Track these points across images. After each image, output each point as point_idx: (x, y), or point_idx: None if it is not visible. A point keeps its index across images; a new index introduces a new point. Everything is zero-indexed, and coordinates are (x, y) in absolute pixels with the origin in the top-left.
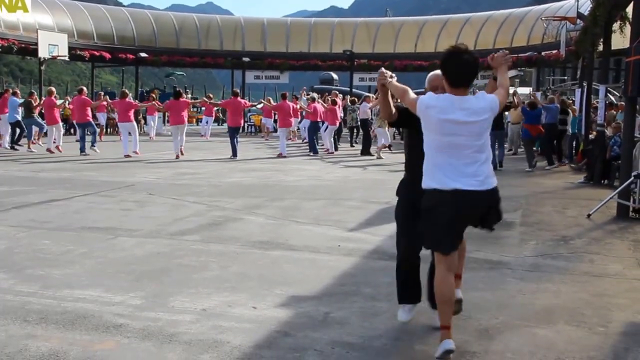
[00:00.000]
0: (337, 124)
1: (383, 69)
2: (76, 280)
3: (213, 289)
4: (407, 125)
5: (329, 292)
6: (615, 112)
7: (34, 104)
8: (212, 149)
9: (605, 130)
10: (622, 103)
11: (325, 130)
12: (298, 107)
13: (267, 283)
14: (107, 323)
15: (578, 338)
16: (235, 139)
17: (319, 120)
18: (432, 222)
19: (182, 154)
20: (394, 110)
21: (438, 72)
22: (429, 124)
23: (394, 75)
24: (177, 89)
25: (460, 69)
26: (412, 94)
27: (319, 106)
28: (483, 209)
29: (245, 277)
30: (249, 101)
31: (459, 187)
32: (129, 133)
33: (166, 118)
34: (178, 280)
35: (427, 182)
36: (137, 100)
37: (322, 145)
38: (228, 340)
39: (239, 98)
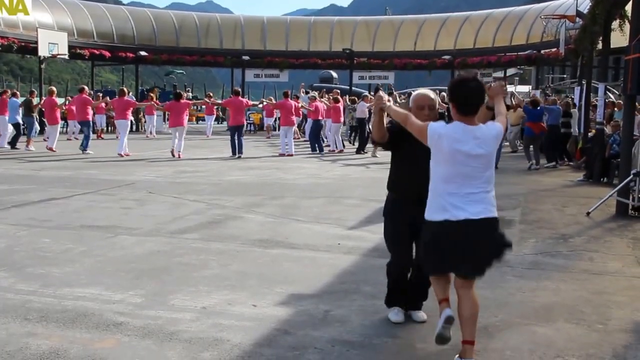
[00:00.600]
0: (341, 122)
1: (381, 92)
2: (76, 279)
3: (213, 287)
4: (397, 146)
5: (329, 290)
6: (610, 110)
7: (34, 103)
8: (212, 147)
9: (605, 129)
10: (620, 101)
11: (329, 130)
12: (299, 105)
13: (267, 281)
14: (108, 321)
15: (577, 335)
16: (237, 138)
17: (320, 118)
18: (439, 251)
19: (179, 156)
20: (386, 133)
21: (423, 91)
22: (441, 153)
23: (390, 99)
24: (178, 90)
25: (469, 97)
26: (416, 120)
27: (321, 104)
28: (489, 235)
29: (245, 276)
30: (249, 100)
31: (468, 217)
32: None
33: (166, 116)
34: (178, 279)
35: (435, 214)
36: (136, 99)
37: (328, 144)
38: (228, 339)
39: (240, 97)
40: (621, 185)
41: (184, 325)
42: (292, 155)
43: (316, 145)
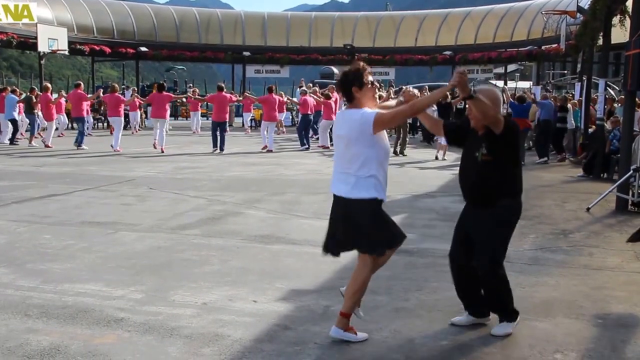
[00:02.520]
0: (332, 118)
1: (409, 88)
2: (77, 275)
3: (214, 283)
4: (461, 143)
5: (329, 286)
6: (609, 107)
7: (35, 100)
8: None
9: (605, 124)
10: (622, 97)
11: (317, 125)
12: (285, 99)
13: (268, 277)
14: (108, 317)
15: (577, 330)
16: (219, 133)
17: (309, 113)
18: None
19: (162, 150)
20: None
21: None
22: None
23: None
24: (161, 82)
25: (340, 86)
26: None
27: (310, 99)
28: (347, 215)
29: (245, 271)
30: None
31: (334, 191)
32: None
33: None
34: (179, 275)
35: None
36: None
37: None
38: (229, 334)
39: (224, 92)
40: (621, 180)
41: (185, 321)
42: (271, 151)
43: (304, 140)
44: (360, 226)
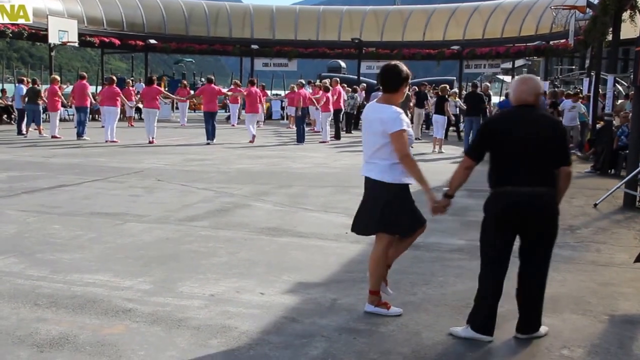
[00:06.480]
0: (331, 111)
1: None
2: (85, 265)
3: (221, 275)
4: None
5: (336, 279)
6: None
7: (41, 93)
8: (220, 135)
9: (613, 120)
10: (632, 92)
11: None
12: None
13: (275, 269)
14: (117, 307)
15: (583, 326)
16: (211, 124)
17: (304, 106)
18: None
19: (151, 142)
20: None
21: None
22: None
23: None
24: (150, 76)
25: (381, 76)
26: None
27: (304, 92)
28: (371, 195)
29: (253, 263)
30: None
31: (364, 173)
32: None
33: (175, 105)
34: (187, 266)
35: None
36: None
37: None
38: (236, 326)
39: (213, 85)
40: (629, 177)
41: (193, 312)
42: (252, 141)
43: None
44: (373, 205)
